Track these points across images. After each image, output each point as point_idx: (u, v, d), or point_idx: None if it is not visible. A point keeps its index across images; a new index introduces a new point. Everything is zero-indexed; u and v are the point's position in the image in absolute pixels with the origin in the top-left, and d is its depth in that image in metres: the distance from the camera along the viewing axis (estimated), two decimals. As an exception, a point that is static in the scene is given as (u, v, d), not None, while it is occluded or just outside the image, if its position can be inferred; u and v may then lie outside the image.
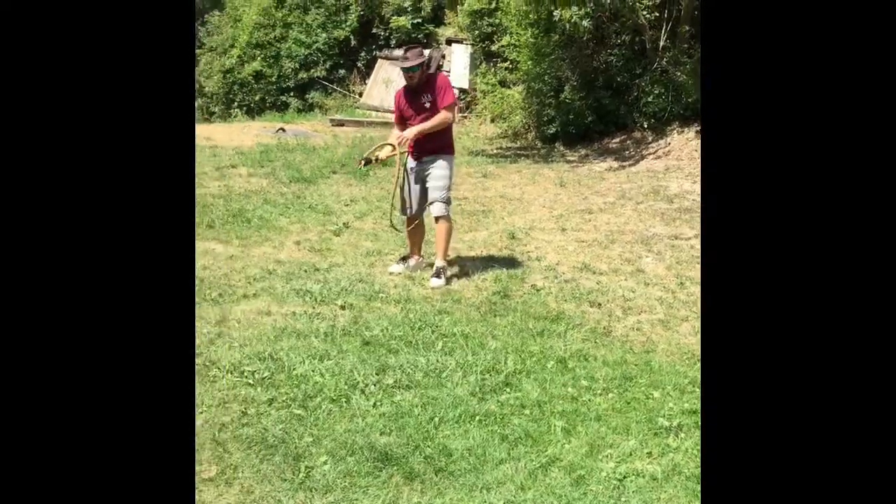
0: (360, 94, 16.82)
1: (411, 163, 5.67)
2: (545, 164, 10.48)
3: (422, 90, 5.53)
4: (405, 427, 3.36)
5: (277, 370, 3.92)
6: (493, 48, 13.63)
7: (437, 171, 5.57)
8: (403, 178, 5.69)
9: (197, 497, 2.89)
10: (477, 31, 14.01)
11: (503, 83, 13.22)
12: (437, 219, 5.60)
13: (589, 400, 3.70)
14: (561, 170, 10.02)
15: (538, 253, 6.37)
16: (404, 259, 5.85)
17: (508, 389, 3.79)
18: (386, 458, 3.10)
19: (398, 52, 18.55)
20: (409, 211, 5.74)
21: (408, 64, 5.49)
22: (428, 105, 5.50)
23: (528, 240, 6.76)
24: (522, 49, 11.98)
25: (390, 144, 5.64)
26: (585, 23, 10.09)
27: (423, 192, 5.66)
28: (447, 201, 5.59)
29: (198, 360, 4.05)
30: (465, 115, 14.39)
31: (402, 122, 5.67)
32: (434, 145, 5.57)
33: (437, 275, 5.51)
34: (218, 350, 4.19)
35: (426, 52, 5.69)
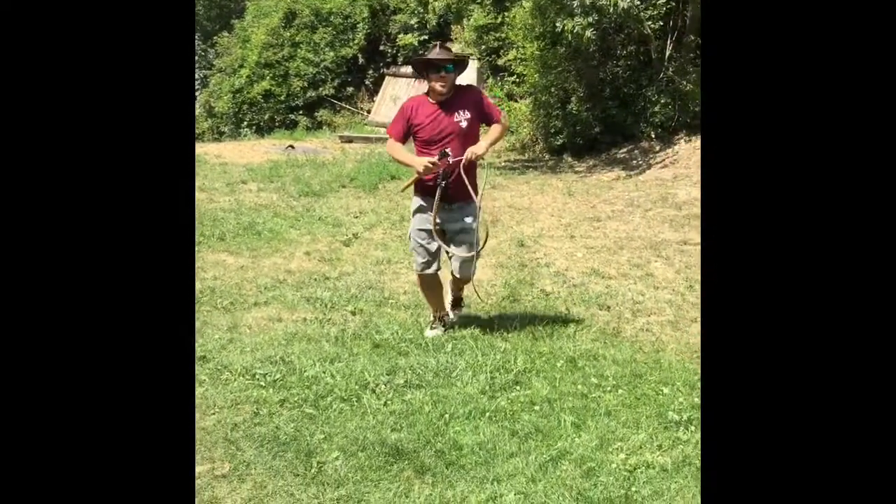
0: (369, 112, 16.94)
1: (427, 208, 4.44)
2: (553, 175, 10.52)
3: (454, 104, 4.34)
4: (416, 424, 3.39)
5: (289, 372, 3.95)
6: (500, 62, 13.72)
7: (469, 223, 4.42)
8: (432, 226, 4.42)
9: (211, 493, 2.92)
10: (483, 46, 14.10)
11: (510, 96, 13.29)
12: (462, 280, 4.65)
13: (599, 396, 3.71)
14: (569, 180, 10.05)
15: (547, 259, 6.39)
16: (440, 320, 4.71)
17: (518, 387, 3.81)
18: (397, 453, 3.12)
19: (404, 69, 18.69)
20: (429, 266, 4.49)
21: (444, 56, 4.30)
22: (465, 124, 4.31)
23: (537, 247, 6.78)
24: (529, 62, 12.05)
25: (427, 166, 4.27)
26: (589, 33, 10.14)
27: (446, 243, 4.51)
28: (475, 260, 4.52)
29: (210, 364, 4.09)
30: (473, 129, 14.46)
31: (405, 140, 4.49)
32: (466, 190, 4.32)
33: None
34: (230, 354, 4.23)
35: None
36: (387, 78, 17.01)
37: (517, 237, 7.03)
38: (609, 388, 3.79)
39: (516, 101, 13.14)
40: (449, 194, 4.35)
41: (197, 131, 19.17)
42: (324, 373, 3.92)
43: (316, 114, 17.35)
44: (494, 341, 4.43)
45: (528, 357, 4.18)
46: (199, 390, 3.79)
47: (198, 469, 3.09)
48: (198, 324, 4.76)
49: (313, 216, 7.94)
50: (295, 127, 16.99)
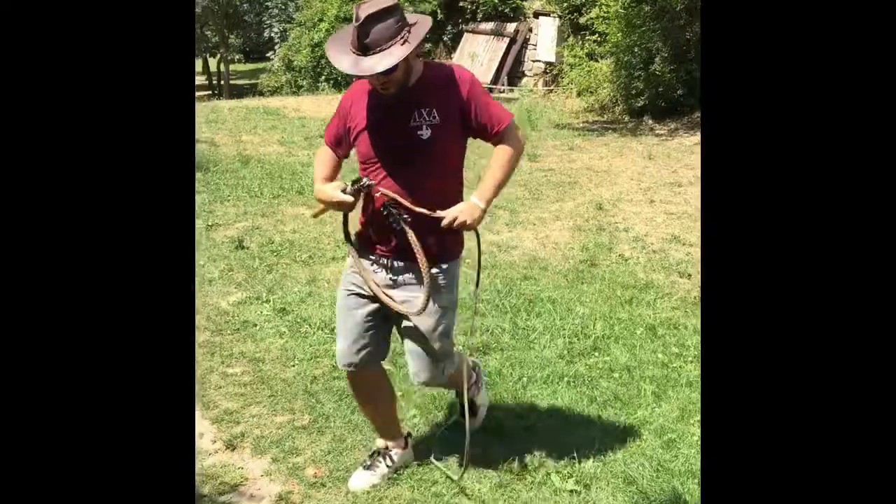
0: (446, 68, 16.82)
1: (369, 268, 2.59)
2: (633, 138, 10.30)
3: (412, 96, 2.43)
4: (493, 385, 3.38)
5: (367, 328, 3.98)
6: (582, 20, 13.41)
7: (433, 301, 2.53)
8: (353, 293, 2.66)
9: (291, 443, 2.97)
10: (565, 4, 13.79)
11: (591, 56, 13.00)
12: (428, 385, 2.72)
13: (679, 366, 3.64)
14: (649, 143, 9.83)
15: (626, 224, 6.27)
16: (382, 455, 2.80)
17: (597, 353, 3.76)
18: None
19: (483, 25, 17.86)
20: (353, 358, 2.66)
21: (365, 70, 2.29)
22: (426, 134, 2.40)
23: (616, 211, 6.66)
24: (612, 21, 11.74)
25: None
26: (679, -8, 9.81)
27: (390, 331, 2.70)
28: (450, 358, 2.68)
29: (289, 317, 4.15)
30: (552, 88, 14.24)
31: (342, 149, 2.60)
32: (434, 240, 2.50)
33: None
34: (308, 308, 4.28)
35: (410, 17, 2.38)
36: (465, 34, 16.82)
37: (595, 200, 6.92)
38: (690, 359, 3.72)
39: (597, 60, 12.85)
40: (379, 260, 2.57)
41: (275, 85, 19.38)
42: (401, 330, 3.94)
43: (393, 69, 17.30)
44: (572, 305, 4.37)
45: (606, 323, 4.12)
46: (279, 342, 3.86)
47: (278, 419, 3.16)
48: (277, 276, 4.84)
49: (390, 172, 7.94)
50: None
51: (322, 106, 12.59)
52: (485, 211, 2.49)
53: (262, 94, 18.72)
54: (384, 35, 2.26)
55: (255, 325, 4.07)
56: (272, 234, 5.72)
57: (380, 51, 2.26)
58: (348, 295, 2.66)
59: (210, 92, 28.68)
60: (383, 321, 2.63)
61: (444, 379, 2.69)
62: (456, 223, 2.44)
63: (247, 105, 12.81)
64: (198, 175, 7.43)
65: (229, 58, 28.06)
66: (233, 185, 7.14)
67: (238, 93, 22.89)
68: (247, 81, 28.72)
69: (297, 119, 11.12)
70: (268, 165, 8.02)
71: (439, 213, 2.44)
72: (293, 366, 3.62)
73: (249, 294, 4.50)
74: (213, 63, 30.29)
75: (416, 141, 2.41)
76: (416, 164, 2.43)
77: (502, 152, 2.50)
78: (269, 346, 3.83)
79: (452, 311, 2.66)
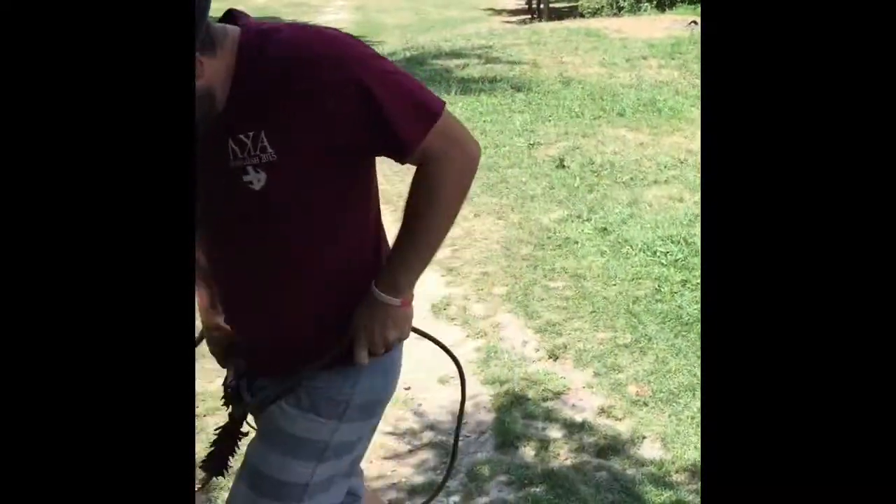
0: (782, -16, 15.44)
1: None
2: None
3: (216, 121, 1.19)
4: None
5: (691, 254, 3.85)
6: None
7: (300, 426, 1.39)
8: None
9: (613, 360, 2.98)
10: None
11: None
12: None
13: None
14: None
15: None
16: None
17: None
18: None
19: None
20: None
21: None
22: (258, 181, 1.20)
23: None
24: None
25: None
26: None
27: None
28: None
29: (611, 237, 4.13)
30: None
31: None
32: (300, 342, 1.36)
33: None
34: (630, 229, 4.22)
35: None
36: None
37: None
38: None
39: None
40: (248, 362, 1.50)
41: (596, 6, 19.08)
42: (729, 258, 3.75)
43: (722, -13, 16.24)
44: None
45: None
46: (600, 260, 3.86)
47: (600, 335, 3.18)
48: (598, 196, 4.81)
49: (717, 96, 7.52)
50: (698, 2, 16.09)
51: (644, 27, 12.19)
52: (406, 304, 1.33)
53: (582, 15, 18.55)
54: None
55: (577, 243, 4.09)
56: (593, 154, 5.68)
57: None
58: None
59: (530, 16, 28.98)
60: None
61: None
62: (363, 355, 1.32)
63: (567, 26, 12.74)
64: (520, 95, 7.57)
65: (549, -20, 28.02)
66: (554, 106, 7.18)
67: (557, 15, 22.91)
68: (566, 4, 28.63)
69: (618, 40, 10.86)
70: (588, 86, 7.95)
71: (324, 359, 1.33)
72: (614, 285, 3.60)
73: (570, 212, 4.53)
74: (533, -14, 30.49)
75: (244, 193, 1.23)
76: (250, 236, 1.30)
77: (426, 185, 1.26)
78: (591, 263, 3.84)
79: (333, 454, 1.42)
